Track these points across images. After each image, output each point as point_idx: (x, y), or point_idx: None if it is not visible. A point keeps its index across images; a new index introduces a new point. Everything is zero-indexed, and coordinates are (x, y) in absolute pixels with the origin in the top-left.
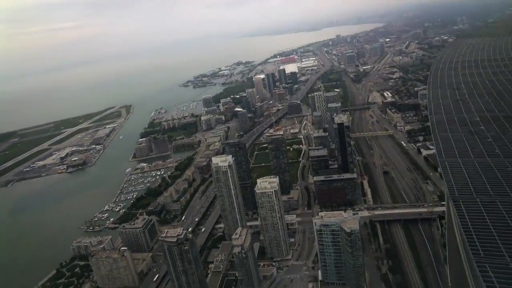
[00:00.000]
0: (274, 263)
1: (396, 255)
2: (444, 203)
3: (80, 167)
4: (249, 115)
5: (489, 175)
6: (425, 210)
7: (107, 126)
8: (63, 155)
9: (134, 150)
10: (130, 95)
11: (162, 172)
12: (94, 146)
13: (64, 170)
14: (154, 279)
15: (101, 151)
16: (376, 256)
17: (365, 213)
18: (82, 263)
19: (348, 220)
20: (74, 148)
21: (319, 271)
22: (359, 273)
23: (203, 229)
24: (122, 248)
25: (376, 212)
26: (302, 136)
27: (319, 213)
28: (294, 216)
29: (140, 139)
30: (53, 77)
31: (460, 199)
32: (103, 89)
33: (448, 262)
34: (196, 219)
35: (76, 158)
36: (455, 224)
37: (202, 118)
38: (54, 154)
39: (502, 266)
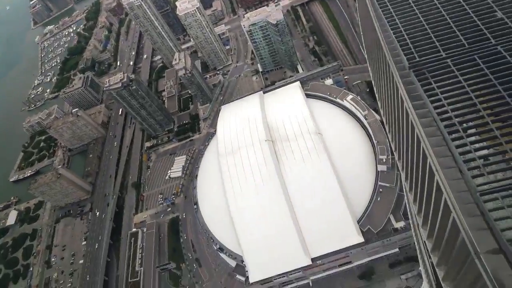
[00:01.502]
0: (218, 72)
1: (319, 30)
2: None
3: None
4: None
5: None
6: None
7: None
8: None
9: (31, 17)
10: None
11: (74, 28)
12: None
13: None
14: (120, 113)
15: None
16: (303, 36)
17: (286, 2)
18: (43, 137)
19: (272, 13)
20: None
21: (258, 64)
22: (291, 55)
23: (145, 56)
24: (73, 110)
25: None
26: None
27: (245, 16)
28: (223, 25)
29: (31, 2)
30: None
31: None
32: None
33: (360, 18)
34: (131, 60)
35: None
36: None
37: None
38: None
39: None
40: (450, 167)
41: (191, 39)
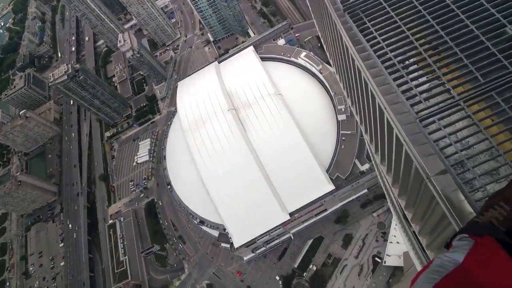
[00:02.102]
0: (168, 47)
1: None
2: None
3: None
4: None
5: None
6: None
7: None
8: None
9: None
10: None
11: (2, 24)
12: None
13: None
14: (71, 103)
15: None
16: None
17: None
18: None
19: None
20: None
21: (209, 34)
22: (240, 20)
23: (87, 38)
24: (21, 112)
25: None
26: None
27: None
28: None
29: None
30: None
31: None
32: None
33: None
34: (73, 47)
35: None
36: None
37: None
38: None
39: None
40: (396, 102)
41: (133, 17)
